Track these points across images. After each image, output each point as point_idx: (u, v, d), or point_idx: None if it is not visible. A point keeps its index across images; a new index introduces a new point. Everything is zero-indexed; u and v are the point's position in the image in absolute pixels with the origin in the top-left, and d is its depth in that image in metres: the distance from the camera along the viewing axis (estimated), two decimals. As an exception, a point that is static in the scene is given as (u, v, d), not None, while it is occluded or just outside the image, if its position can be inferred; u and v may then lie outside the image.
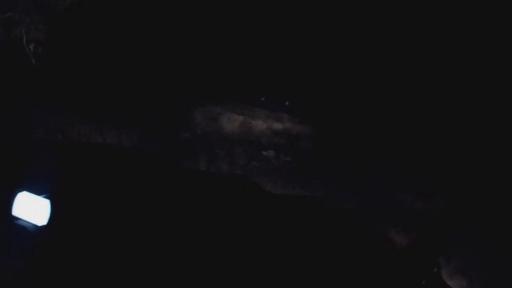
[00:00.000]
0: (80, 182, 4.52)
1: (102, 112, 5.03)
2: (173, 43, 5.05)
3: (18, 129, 4.81)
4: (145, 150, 5.02)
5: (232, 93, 5.19)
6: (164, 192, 4.72)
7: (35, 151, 4.62)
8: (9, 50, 4.76)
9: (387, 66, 4.72)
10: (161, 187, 4.75)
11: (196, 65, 5.10)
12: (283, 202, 4.92)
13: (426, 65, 4.61)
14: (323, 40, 4.88)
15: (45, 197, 4.07)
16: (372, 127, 4.97)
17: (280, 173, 5.05)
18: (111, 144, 5.00)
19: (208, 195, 4.81)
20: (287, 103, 5.19)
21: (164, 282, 4.35)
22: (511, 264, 4.41)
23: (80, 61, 5.04)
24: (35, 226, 4.00)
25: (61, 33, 4.94)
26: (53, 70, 4.97)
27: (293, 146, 5.11)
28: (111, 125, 5.02)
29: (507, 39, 4.38)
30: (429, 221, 4.75)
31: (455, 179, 4.69)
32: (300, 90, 5.12)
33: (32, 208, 4.05)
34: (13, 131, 4.78)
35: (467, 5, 4.34)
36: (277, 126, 5.17)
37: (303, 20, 4.83)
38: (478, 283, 4.46)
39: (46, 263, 4.09)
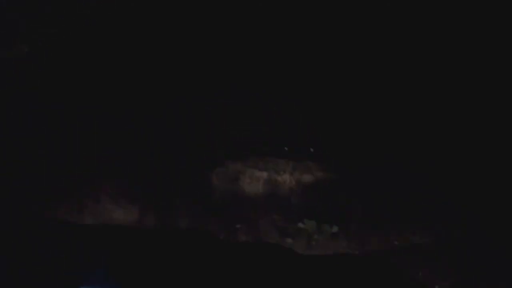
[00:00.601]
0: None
1: (103, 177, 4.70)
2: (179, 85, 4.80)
3: (18, 129, 4.81)
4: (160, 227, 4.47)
5: (253, 146, 4.55)
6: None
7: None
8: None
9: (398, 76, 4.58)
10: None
11: (210, 113, 4.67)
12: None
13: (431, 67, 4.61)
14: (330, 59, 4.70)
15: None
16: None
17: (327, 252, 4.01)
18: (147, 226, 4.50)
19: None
20: (312, 149, 4.57)
21: None
22: (511, 264, 4.41)
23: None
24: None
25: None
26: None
27: (333, 205, 4.10)
28: (112, 192, 4.60)
29: (506, 39, 4.39)
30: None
31: (456, 179, 4.69)
32: (321, 132, 4.60)
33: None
34: (13, 131, 4.79)
35: (467, 5, 4.35)
36: (307, 178, 4.34)
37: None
38: (478, 282, 4.46)
39: None
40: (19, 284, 4.11)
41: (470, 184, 4.63)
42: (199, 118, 4.96)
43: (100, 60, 4.97)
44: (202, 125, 4.96)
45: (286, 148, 4.54)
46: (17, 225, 4.66)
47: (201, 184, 4.44)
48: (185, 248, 4.54)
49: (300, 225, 3.99)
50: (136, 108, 4.99)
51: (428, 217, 4.66)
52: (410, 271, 4.64)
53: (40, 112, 4.88)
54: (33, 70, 4.87)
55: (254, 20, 4.80)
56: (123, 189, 4.79)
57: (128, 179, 4.79)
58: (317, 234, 4.03)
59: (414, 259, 4.67)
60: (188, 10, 4.89)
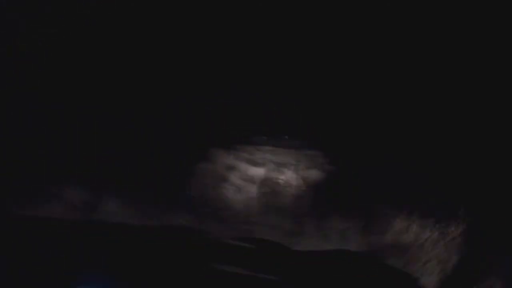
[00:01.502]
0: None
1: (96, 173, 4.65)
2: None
3: (18, 129, 4.82)
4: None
5: (247, 135, 3.79)
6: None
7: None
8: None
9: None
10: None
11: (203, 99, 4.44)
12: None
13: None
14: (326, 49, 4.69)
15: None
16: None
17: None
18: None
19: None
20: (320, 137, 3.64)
21: None
22: (511, 264, 4.42)
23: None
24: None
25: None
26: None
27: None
28: (112, 192, 4.50)
29: (506, 39, 4.39)
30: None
31: (456, 179, 4.70)
32: (320, 132, 4.02)
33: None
34: (13, 131, 4.79)
35: (467, 5, 4.35)
36: (316, 175, 3.42)
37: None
38: (478, 283, 4.47)
39: None
40: (17, 284, 4.12)
41: (470, 184, 4.64)
42: (199, 118, 4.97)
43: (100, 60, 4.97)
44: (202, 125, 4.97)
45: (286, 137, 3.84)
46: (16, 225, 4.67)
47: (172, 182, 3.60)
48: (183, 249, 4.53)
49: None
50: (136, 108, 4.99)
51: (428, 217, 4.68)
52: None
53: (40, 112, 4.89)
54: (33, 70, 4.87)
55: (254, 20, 4.80)
56: (123, 189, 4.79)
57: (128, 179, 4.79)
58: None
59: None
60: (188, 10, 4.88)
